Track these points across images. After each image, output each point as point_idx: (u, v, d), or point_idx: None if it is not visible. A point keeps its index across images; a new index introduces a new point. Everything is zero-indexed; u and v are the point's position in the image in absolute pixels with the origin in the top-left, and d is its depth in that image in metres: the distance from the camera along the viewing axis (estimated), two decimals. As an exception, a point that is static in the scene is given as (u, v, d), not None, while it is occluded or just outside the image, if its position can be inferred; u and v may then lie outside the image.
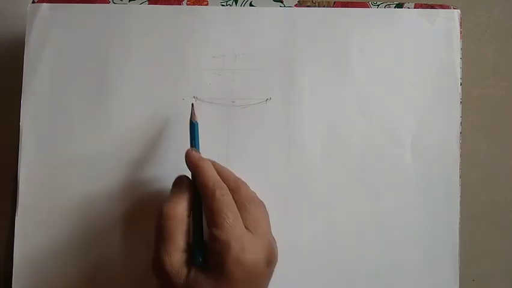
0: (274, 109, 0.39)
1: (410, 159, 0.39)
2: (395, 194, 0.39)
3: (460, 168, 0.39)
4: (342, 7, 0.40)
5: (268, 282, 0.31)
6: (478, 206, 0.46)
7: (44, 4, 0.39)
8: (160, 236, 0.30)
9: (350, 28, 0.39)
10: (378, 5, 0.40)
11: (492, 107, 0.47)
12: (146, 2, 0.39)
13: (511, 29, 0.47)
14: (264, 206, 0.33)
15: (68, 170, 0.38)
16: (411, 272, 0.38)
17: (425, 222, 0.39)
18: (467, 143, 0.44)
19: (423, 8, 0.40)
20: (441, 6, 0.40)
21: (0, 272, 0.43)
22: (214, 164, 0.33)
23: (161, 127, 0.38)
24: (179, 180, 0.33)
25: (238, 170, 0.34)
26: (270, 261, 0.30)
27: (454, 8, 0.40)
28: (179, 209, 0.30)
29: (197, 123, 0.34)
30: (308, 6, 0.40)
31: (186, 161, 0.32)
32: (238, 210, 0.30)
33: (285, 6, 0.40)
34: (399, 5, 0.40)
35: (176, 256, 0.29)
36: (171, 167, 0.38)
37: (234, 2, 0.39)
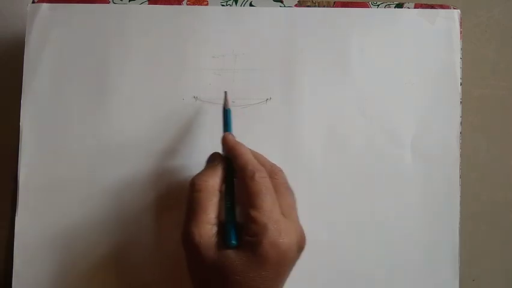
0: (274, 109, 0.39)
1: (410, 159, 0.39)
2: (395, 194, 0.39)
3: (460, 168, 0.39)
4: (342, 7, 0.40)
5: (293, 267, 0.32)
6: (478, 206, 0.46)
7: (44, 4, 0.39)
8: (191, 208, 0.30)
9: (350, 28, 0.39)
10: (378, 5, 0.40)
11: (492, 107, 0.47)
12: (146, 2, 0.39)
13: (511, 29, 0.47)
14: (294, 194, 0.33)
15: (68, 170, 0.38)
16: (411, 272, 0.38)
17: (425, 222, 0.39)
18: (467, 143, 0.44)
19: (423, 8, 0.40)
20: (441, 6, 0.40)
21: (0, 272, 0.43)
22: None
23: (162, 127, 0.38)
24: (212, 156, 0.33)
25: (238, 170, 0.34)
26: (301, 247, 0.30)
27: (454, 8, 0.40)
28: (211, 182, 0.30)
29: (230, 110, 0.35)
30: (308, 6, 0.40)
31: (223, 144, 0.33)
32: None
33: (285, 6, 0.40)
34: (399, 5, 0.40)
35: (206, 228, 0.29)
36: (171, 166, 0.38)
37: (234, 2, 0.39)
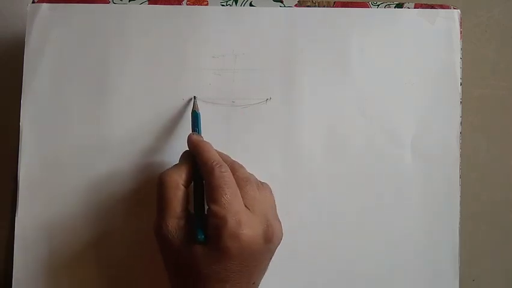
0: (274, 109, 0.39)
1: (410, 159, 0.39)
2: (395, 194, 0.39)
3: (460, 168, 0.39)
4: (342, 7, 0.40)
5: (268, 261, 0.32)
6: (478, 206, 0.46)
7: (44, 4, 0.39)
8: (158, 202, 0.31)
9: (350, 28, 0.39)
10: (378, 5, 0.40)
11: (492, 107, 0.47)
12: (146, 2, 0.39)
13: (511, 29, 0.47)
14: (269, 189, 0.33)
15: (68, 170, 0.38)
16: (411, 272, 0.38)
17: (425, 222, 0.39)
18: (467, 143, 0.44)
19: (423, 8, 0.40)
20: (441, 6, 0.40)
21: (0, 272, 0.43)
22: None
23: (162, 127, 0.38)
24: (182, 154, 0.34)
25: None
26: (269, 238, 0.30)
27: (454, 8, 0.40)
28: (175, 177, 0.31)
29: (199, 114, 0.36)
30: (308, 6, 0.40)
31: (188, 144, 0.33)
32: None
33: (285, 6, 0.40)
34: (399, 5, 0.40)
35: (172, 222, 0.30)
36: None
37: (234, 2, 0.39)
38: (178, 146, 0.38)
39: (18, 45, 0.39)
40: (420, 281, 0.38)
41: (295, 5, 0.40)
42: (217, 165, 0.30)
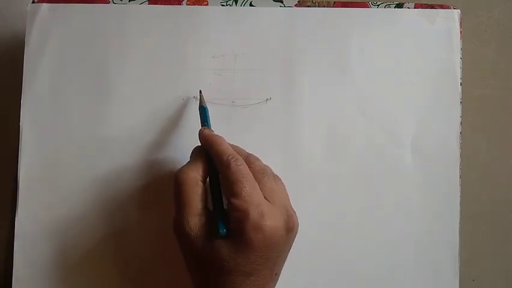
0: (274, 109, 0.39)
1: (410, 159, 0.39)
2: (395, 194, 0.39)
3: (460, 168, 0.39)
4: (342, 7, 0.40)
5: (288, 251, 0.32)
6: (478, 206, 0.46)
7: (44, 4, 0.39)
8: (177, 200, 0.31)
9: (350, 28, 0.39)
10: (378, 5, 0.40)
11: (492, 107, 0.47)
12: (146, 2, 0.39)
13: (511, 29, 0.47)
14: (281, 181, 0.33)
15: (68, 170, 0.38)
16: (411, 272, 0.38)
17: (425, 222, 0.39)
18: (467, 143, 0.44)
19: (423, 8, 0.40)
20: (441, 6, 0.40)
21: (0, 272, 0.43)
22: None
23: (162, 127, 0.38)
24: (194, 150, 0.34)
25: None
26: (290, 228, 0.31)
27: (454, 8, 0.40)
28: (192, 174, 0.31)
29: (207, 108, 0.36)
30: (308, 6, 0.40)
31: (200, 139, 0.33)
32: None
33: (285, 6, 0.40)
34: (399, 5, 0.40)
35: (193, 219, 0.30)
36: (172, 166, 0.38)
37: (234, 2, 0.39)
38: (179, 146, 0.38)
39: (18, 45, 0.39)
40: (420, 281, 0.38)
41: (295, 5, 0.40)
42: (233, 159, 0.31)
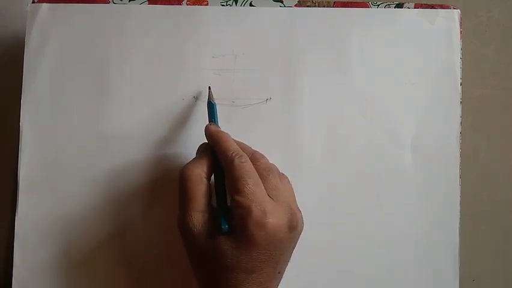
0: (274, 109, 0.39)
1: (410, 159, 0.39)
2: (395, 194, 0.39)
3: (460, 168, 0.39)
4: (342, 7, 0.40)
5: (292, 250, 0.32)
6: (478, 206, 0.46)
7: (44, 4, 0.39)
8: (182, 197, 0.31)
9: (350, 28, 0.39)
10: (378, 5, 0.40)
11: (492, 107, 0.47)
12: (146, 2, 0.39)
13: (511, 29, 0.47)
14: (287, 179, 0.33)
15: (68, 170, 0.38)
16: (411, 272, 0.38)
17: (425, 222, 0.39)
18: (467, 143, 0.44)
19: (423, 8, 0.40)
20: (441, 6, 0.40)
21: (0, 272, 0.43)
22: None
23: (162, 127, 0.38)
24: (199, 147, 0.34)
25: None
26: (293, 226, 0.30)
27: (454, 8, 0.40)
28: (196, 171, 0.31)
29: (215, 104, 0.36)
30: (308, 6, 0.40)
31: (206, 134, 0.34)
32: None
33: (285, 6, 0.40)
34: (399, 5, 0.40)
35: (197, 216, 0.30)
36: (172, 166, 0.38)
37: (234, 2, 0.39)
38: (179, 145, 0.38)
39: (18, 45, 0.39)
40: (420, 281, 0.38)
41: (295, 5, 0.40)
42: (237, 156, 0.31)
